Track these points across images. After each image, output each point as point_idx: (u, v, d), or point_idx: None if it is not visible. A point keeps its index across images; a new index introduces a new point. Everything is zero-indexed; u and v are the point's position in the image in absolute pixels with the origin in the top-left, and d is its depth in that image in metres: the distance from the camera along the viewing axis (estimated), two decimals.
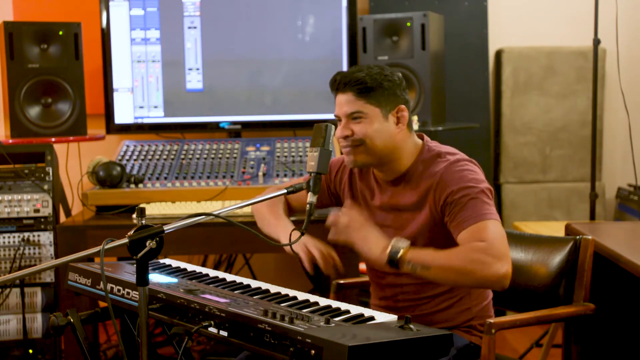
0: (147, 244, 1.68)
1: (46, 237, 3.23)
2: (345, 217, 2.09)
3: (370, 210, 2.29)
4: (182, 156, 3.60)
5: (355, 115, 2.15)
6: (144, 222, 1.71)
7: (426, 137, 2.28)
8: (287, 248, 2.12)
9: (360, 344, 1.48)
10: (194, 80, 3.86)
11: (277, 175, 3.42)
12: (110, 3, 3.82)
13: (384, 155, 2.18)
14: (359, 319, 1.71)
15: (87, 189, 3.33)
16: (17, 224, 3.23)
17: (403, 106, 2.20)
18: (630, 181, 4.22)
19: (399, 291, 2.28)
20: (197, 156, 3.60)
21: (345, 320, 1.70)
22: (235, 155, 3.60)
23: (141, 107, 3.86)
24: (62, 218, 3.42)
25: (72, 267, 2.13)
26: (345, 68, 3.83)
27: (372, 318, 1.72)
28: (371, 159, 2.18)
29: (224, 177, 3.42)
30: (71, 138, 3.58)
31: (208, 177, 3.41)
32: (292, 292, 1.93)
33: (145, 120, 3.87)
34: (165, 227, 1.72)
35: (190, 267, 2.21)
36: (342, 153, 2.29)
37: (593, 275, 2.40)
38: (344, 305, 1.81)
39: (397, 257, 2.00)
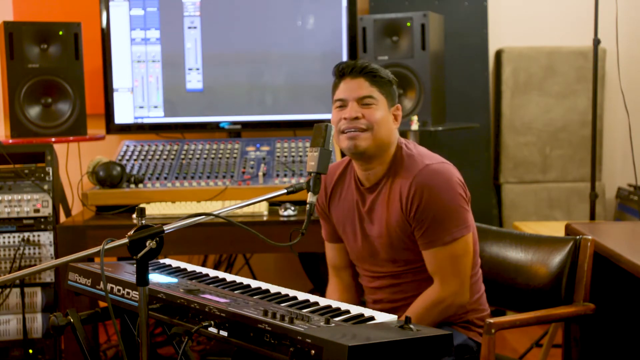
0: (147, 244, 1.67)
1: (46, 237, 3.23)
2: None
3: (354, 219, 2.31)
4: (182, 156, 3.60)
5: (367, 100, 2.19)
6: (144, 222, 1.70)
7: (402, 139, 2.30)
8: None
9: (360, 344, 1.48)
10: (194, 80, 3.86)
11: (277, 175, 3.42)
12: (110, 3, 3.82)
13: (383, 146, 2.21)
14: (359, 319, 1.71)
15: (87, 189, 3.33)
16: (17, 224, 3.23)
17: (400, 105, 2.27)
18: (630, 181, 4.22)
19: (394, 290, 2.30)
20: (197, 156, 3.60)
21: (345, 320, 1.69)
22: (235, 155, 3.60)
23: (141, 107, 3.86)
24: (62, 218, 3.42)
25: (72, 267, 2.13)
26: None
27: (372, 318, 1.72)
28: (373, 147, 2.20)
29: (224, 177, 3.42)
30: (71, 138, 3.58)
31: (208, 177, 3.41)
32: (292, 292, 1.93)
33: (145, 120, 3.87)
34: (165, 227, 1.72)
35: (190, 267, 2.21)
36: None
37: (593, 275, 2.40)
38: (344, 305, 1.81)
39: None
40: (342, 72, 2.22)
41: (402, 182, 2.19)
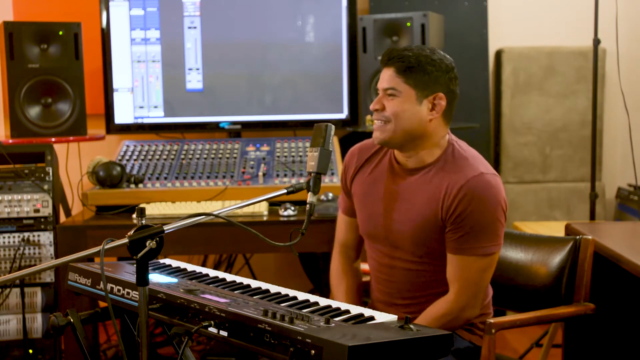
0: (147, 244, 1.67)
1: (46, 237, 3.23)
2: None
3: (378, 195, 2.29)
4: (182, 156, 3.60)
5: (389, 92, 2.18)
6: (144, 222, 1.70)
7: (453, 136, 2.27)
8: None
9: (360, 344, 1.48)
10: (194, 80, 3.86)
11: (277, 175, 3.42)
12: (110, 3, 3.82)
13: (410, 138, 2.18)
14: (359, 319, 1.71)
15: (87, 189, 3.33)
16: (17, 224, 3.23)
17: (442, 94, 2.19)
18: (630, 181, 4.22)
19: (402, 288, 2.29)
20: (197, 156, 3.60)
21: (345, 320, 1.69)
22: (235, 155, 3.60)
23: (141, 107, 3.86)
24: (62, 218, 3.42)
25: (72, 267, 2.12)
26: (345, 68, 3.83)
27: (372, 318, 1.72)
28: (395, 139, 2.18)
29: (224, 177, 3.42)
30: (71, 138, 3.58)
31: (208, 177, 3.41)
32: (292, 292, 1.92)
33: (145, 120, 3.87)
34: (165, 227, 1.72)
35: (190, 267, 2.21)
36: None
37: (593, 275, 2.40)
38: (344, 305, 1.81)
39: None
40: (382, 61, 2.23)
41: (450, 180, 2.16)
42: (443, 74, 2.18)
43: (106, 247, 1.71)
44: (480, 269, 2.17)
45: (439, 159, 2.21)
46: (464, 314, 2.20)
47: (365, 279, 2.55)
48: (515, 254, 2.54)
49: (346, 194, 2.42)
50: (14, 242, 3.21)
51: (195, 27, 3.85)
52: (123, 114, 3.85)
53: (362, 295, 2.46)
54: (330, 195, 3.14)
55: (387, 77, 2.19)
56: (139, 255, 1.68)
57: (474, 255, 2.15)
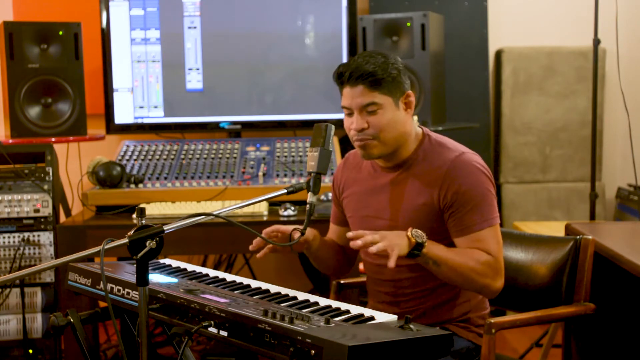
0: (147, 244, 1.67)
1: (46, 237, 3.23)
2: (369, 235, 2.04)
3: (368, 198, 2.29)
4: (182, 156, 3.60)
5: (370, 108, 2.15)
6: (144, 222, 1.70)
7: (424, 127, 2.30)
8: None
9: (360, 344, 1.48)
10: (194, 80, 3.86)
11: (277, 175, 3.42)
12: (110, 3, 3.82)
13: (397, 143, 2.20)
14: (359, 319, 1.71)
15: (87, 189, 3.33)
16: (17, 224, 3.23)
17: (410, 92, 2.22)
18: (630, 181, 4.22)
19: (398, 285, 2.28)
20: (197, 156, 3.60)
21: (345, 320, 1.70)
22: (235, 155, 3.60)
23: (141, 107, 3.86)
24: (62, 218, 3.42)
25: (72, 267, 2.13)
26: None
27: (372, 318, 1.72)
28: (385, 150, 2.19)
29: (224, 177, 3.42)
30: (71, 138, 3.58)
31: (208, 177, 3.41)
32: (292, 292, 1.93)
33: (145, 120, 3.87)
34: (165, 227, 1.72)
35: (190, 267, 2.21)
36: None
37: (593, 275, 2.40)
38: (344, 305, 1.81)
39: (423, 241, 2.03)
40: (341, 81, 2.18)
41: (435, 167, 2.18)
42: (403, 73, 2.21)
43: (106, 247, 1.71)
44: (493, 239, 2.15)
45: (418, 149, 2.23)
46: (495, 282, 2.14)
47: (362, 279, 2.54)
48: (515, 254, 2.54)
49: (337, 204, 2.43)
50: (14, 242, 3.21)
51: (195, 27, 3.85)
52: (123, 114, 3.85)
53: (338, 251, 2.45)
54: (330, 195, 3.14)
55: (359, 94, 2.15)
56: (139, 255, 1.68)
57: (482, 229, 2.14)
